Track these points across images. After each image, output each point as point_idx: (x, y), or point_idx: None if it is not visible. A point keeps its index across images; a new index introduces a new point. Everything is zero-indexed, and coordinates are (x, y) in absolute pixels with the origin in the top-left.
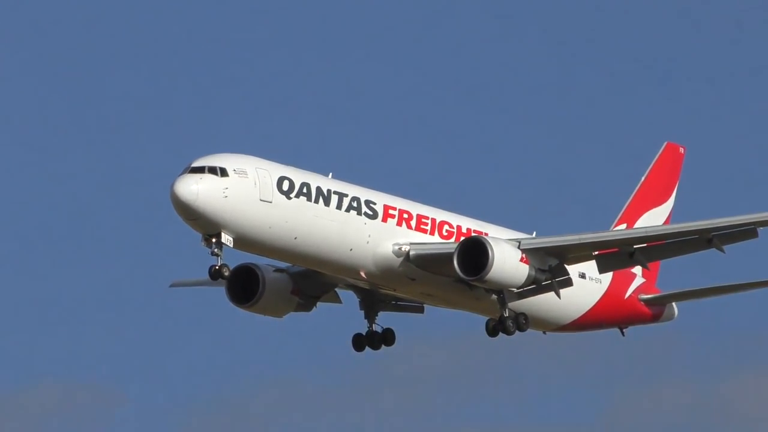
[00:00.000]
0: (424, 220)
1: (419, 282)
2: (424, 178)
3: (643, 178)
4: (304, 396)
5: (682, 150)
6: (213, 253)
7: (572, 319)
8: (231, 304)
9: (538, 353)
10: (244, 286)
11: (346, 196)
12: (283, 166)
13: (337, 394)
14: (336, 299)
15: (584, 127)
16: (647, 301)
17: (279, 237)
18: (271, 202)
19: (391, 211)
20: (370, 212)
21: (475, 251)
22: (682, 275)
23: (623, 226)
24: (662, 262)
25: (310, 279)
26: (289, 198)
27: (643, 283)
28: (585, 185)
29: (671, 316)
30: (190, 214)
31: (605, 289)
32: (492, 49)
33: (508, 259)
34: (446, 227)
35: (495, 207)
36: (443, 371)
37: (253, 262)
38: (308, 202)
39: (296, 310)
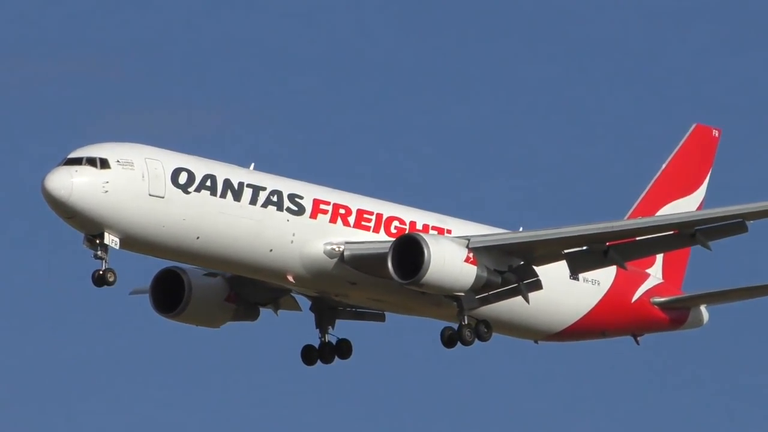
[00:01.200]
0: (366, 216)
1: (362, 286)
2: (388, 171)
3: (665, 164)
4: (236, 413)
5: (716, 133)
6: (96, 256)
7: (565, 327)
8: (156, 314)
9: (523, 364)
10: (170, 293)
11: (264, 189)
12: (183, 155)
13: (277, 412)
14: (294, 306)
15: (596, 108)
16: (662, 305)
17: (176, 237)
18: (163, 197)
19: (322, 206)
20: (294, 207)
21: (411, 250)
22: (724, 273)
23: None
24: (693, 258)
25: (251, 284)
26: (186, 192)
27: (660, 284)
28: (598, 174)
29: (699, 322)
30: (65, 212)
31: (605, 291)
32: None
33: (449, 260)
34: (396, 224)
35: (488, 200)
36: (402, 388)
37: (178, 265)
38: (212, 197)
39: (236, 318)
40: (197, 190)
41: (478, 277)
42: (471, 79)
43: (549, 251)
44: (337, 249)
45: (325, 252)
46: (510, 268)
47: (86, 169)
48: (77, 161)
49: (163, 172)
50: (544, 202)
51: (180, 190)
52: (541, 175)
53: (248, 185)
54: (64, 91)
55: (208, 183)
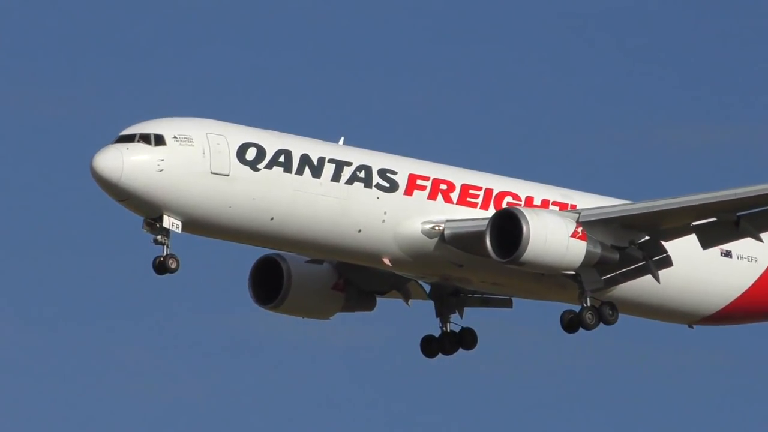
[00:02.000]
0: (473, 192)
1: (470, 268)
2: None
3: None
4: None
5: None
6: (156, 241)
7: (717, 309)
8: (256, 306)
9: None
10: (270, 282)
11: (349, 164)
12: (255, 130)
13: (393, 408)
14: (422, 294)
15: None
16: None
17: (245, 218)
18: (227, 175)
19: (420, 182)
20: (385, 183)
21: (510, 226)
22: None
23: None
24: None
25: (363, 270)
26: (255, 169)
27: None
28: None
29: None
30: (117, 194)
31: (763, 269)
32: None
33: (551, 235)
34: (509, 199)
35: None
36: (529, 381)
37: (278, 252)
38: (287, 174)
39: (347, 308)
40: (268, 166)
41: (589, 253)
42: None
43: (675, 224)
44: (437, 228)
45: (423, 231)
46: (632, 243)
47: (139, 147)
48: (130, 138)
49: (227, 148)
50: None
51: (248, 167)
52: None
53: (330, 160)
54: None
55: (282, 159)
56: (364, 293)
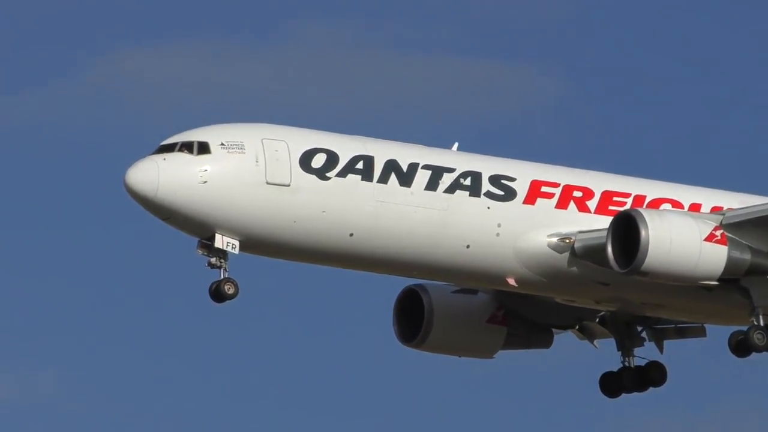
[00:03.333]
0: (617, 198)
1: (616, 287)
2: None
3: None
4: None
5: None
6: (210, 264)
7: None
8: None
9: None
10: (415, 317)
11: (450, 171)
12: (329, 135)
13: None
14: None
15: None
16: None
17: (317, 234)
18: (288, 185)
19: (545, 188)
20: (498, 192)
21: (631, 231)
22: None
23: None
24: None
25: (531, 299)
26: (324, 178)
27: None
28: None
29: None
30: (156, 211)
31: None
32: None
33: (678, 239)
34: (667, 207)
35: None
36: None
37: (420, 282)
38: (366, 183)
39: (513, 345)
40: (341, 174)
41: (733, 259)
42: None
43: None
44: (567, 241)
45: (550, 245)
46: None
47: (178, 157)
48: (170, 148)
49: (287, 155)
50: None
51: (314, 176)
52: None
53: (426, 167)
54: None
55: (360, 165)
56: (537, 327)
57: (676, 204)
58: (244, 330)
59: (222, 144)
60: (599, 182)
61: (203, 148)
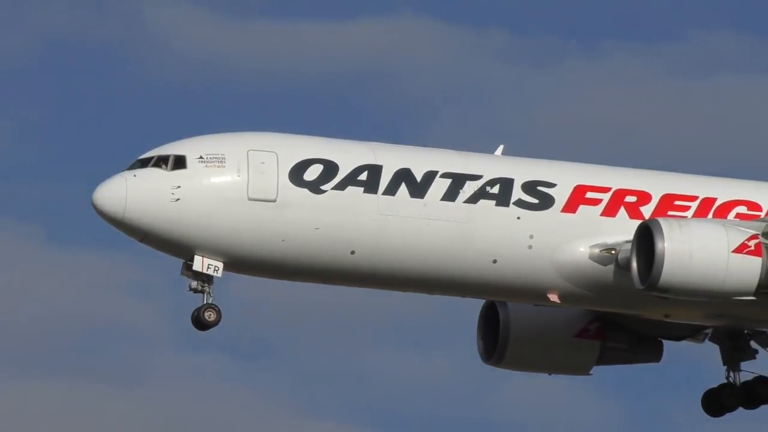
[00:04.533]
0: (679, 203)
1: (676, 301)
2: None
3: None
4: None
5: None
6: (191, 289)
7: None
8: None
9: None
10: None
11: (475, 178)
12: (335, 141)
13: None
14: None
15: None
16: None
17: (311, 253)
18: (274, 201)
19: (591, 194)
20: (532, 199)
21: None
22: None
23: None
24: None
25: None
26: (317, 191)
27: None
28: None
29: None
30: (128, 232)
31: None
32: None
33: (701, 251)
34: (741, 210)
35: None
36: None
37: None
38: (369, 195)
39: (613, 360)
40: (339, 187)
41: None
42: None
43: None
44: (611, 252)
45: (592, 257)
46: None
47: (149, 173)
48: (146, 162)
49: (275, 167)
50: None
51: (306, 190)
52: None
53: (445, 175)
54: None
55: (364, 176)
56: (644, 339)
57: (754, 206)
58: None
59: (200, 157)
60: (661, 184)
61: (179, 163)
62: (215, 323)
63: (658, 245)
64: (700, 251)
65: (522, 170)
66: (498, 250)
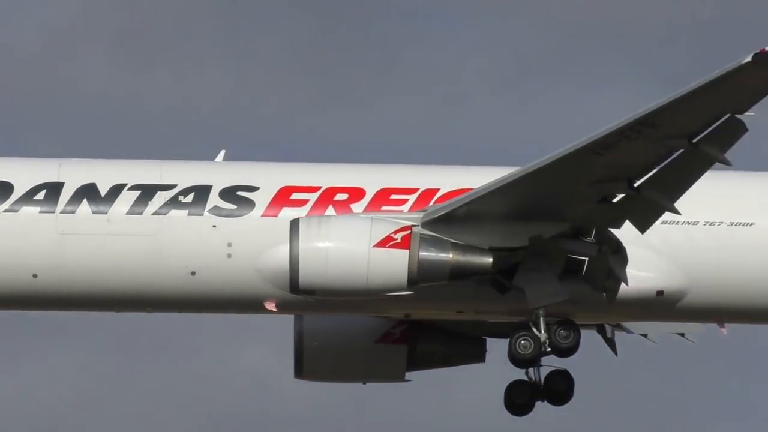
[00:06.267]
0: (396, 197)
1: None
2: None
3: None
4: None
5: None
6: None
7: None
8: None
9: None
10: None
11: (167, 188)
12: (28, 161)
13: None
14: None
15: None
16: None
17: None
18: None
19: (297, 195)
20: (230, 206)
21: None
22: None
23: None
24: None
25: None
26: None
27: None
28: None
29: None
30: None
31: None
32: None
33: (336, 249)
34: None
35: None
36: None
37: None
38: (46, 215)
39: (427, 365)
40: (13, 209)
41: (424, 263)
42: None
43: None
44: None
45: None
46: (535, 240)
47: None
48: None
49: None
50: None
51: None
52: None
53: (134, 188)
54: None
55: (40, 195)
56: (463, 339)
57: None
58: None
59: None
60: (378, 177)
61: None
62: None
63: (293, 246)
64: (336, 249)
65: (225, 176)
66: (194, 261)
